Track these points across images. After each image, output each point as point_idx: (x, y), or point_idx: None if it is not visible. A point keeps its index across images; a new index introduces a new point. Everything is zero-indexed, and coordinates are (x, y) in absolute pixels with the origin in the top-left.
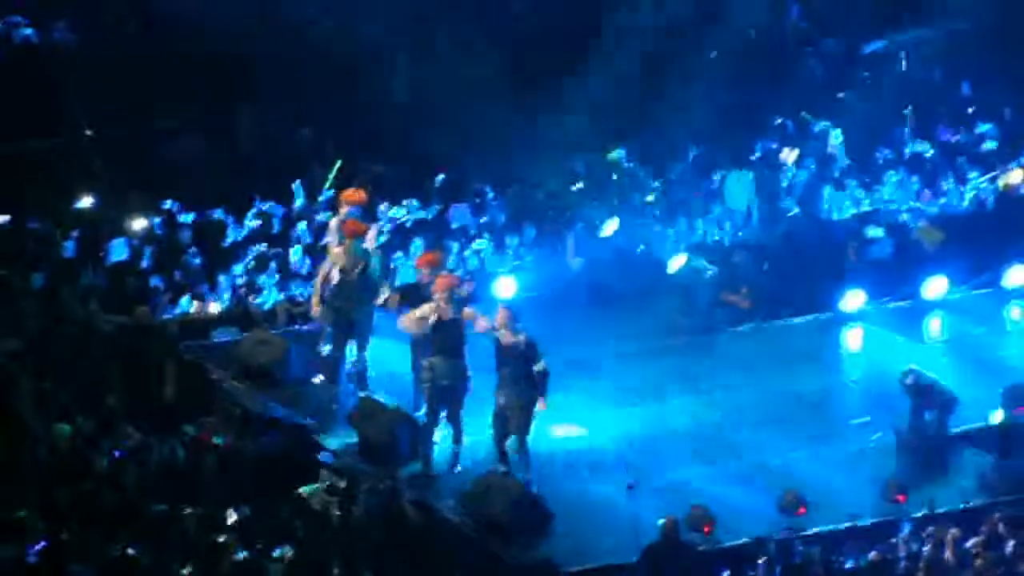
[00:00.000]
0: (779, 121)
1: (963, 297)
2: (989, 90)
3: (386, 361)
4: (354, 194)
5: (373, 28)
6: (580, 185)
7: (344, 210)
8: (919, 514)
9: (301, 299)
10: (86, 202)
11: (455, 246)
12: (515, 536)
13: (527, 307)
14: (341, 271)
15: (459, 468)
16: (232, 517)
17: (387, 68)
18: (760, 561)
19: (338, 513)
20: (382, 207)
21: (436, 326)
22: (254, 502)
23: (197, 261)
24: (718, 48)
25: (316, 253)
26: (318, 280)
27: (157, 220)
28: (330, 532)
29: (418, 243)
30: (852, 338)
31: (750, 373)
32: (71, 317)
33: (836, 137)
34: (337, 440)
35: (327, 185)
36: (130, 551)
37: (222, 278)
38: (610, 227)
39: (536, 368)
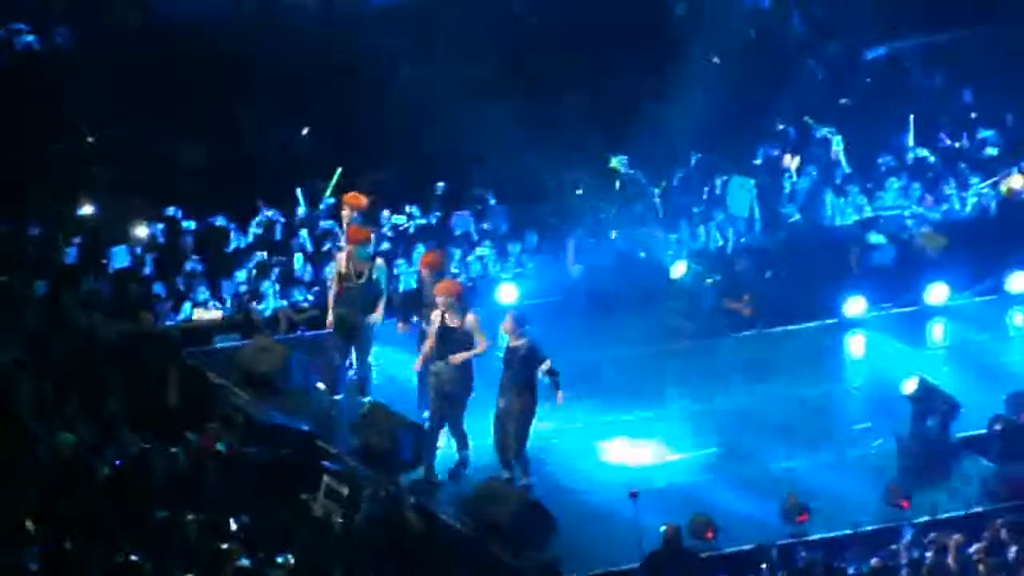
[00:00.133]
0: (781, 127)
1: (965, 303)
2: (991, 96)
3: (388, 367)
4: (355, 198)
5: (375, 32)
6: (580, 191)
7: (346, 213)
8: (921, 520)
9: (303, 305)
10: (88, 208)
11: (457, 253)
12: (517, 542)
13: (529, 313)
14: (344, 278)
15: (462, 474)
16: (234, 524)
17: (388, 73)
18: (762, 567)
19: (340, 520)
20: (384, 213)
21: (440, 332)
22: (256, 509)
23: (199, 267)
24: (719, 54)
25: (318, 260)
26: (331, 287)
27: (159, 226)
28: (332, 539)
29: (421, 250)
30: (854, 344)
31: (752, 379)
32: (73, 324)
33: (838, 143)
34: (339, 447)
35: (328, 192)
36: (132, 558)
37: (224, 284)
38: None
39: (543, 369)
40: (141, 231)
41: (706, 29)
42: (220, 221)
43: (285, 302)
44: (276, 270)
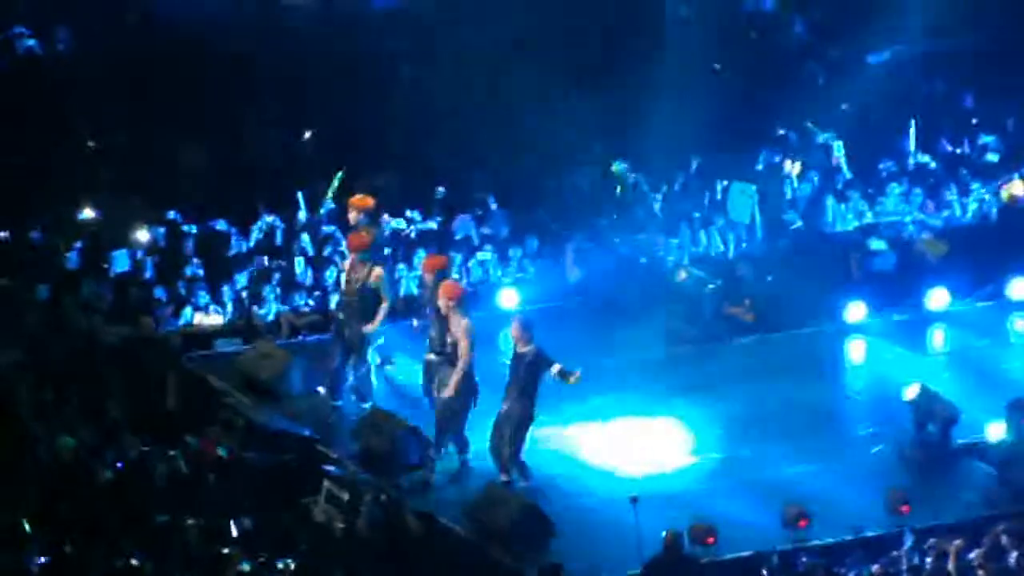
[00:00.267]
0: (782, 132)
1: (966, 309)
2: (992, 101)
3: (391, 372)
4: (362, 200)
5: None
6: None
7: (353, 215)
8: (922, 526)
9: (304, 310)
10: (89, 213)
11: (458, 257)
12: (517, 547)
13: (534, 319)
14: (345, 283)
15: (463, 478)
16: (235, 528)
17: (389, 75)
18: (763, 573)
19: (341, 524)
20: (385, 217)
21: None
22: (257, 513)
23: (200, 272)
24: (721, 58)
25: (319, 264)
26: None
27: (160, 230)
28: (333, 543)
29: (422, 254)
30: (855, 350)
31: (753, 384)
32: (74, 328)
33: (839, 149)
34: (340, 451)
35: (329, 196)
36: (133, 562)
37: (225, 289)
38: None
39: (553, 372)
40: (142, 235)
41: (708, 34)
42: (221, 225)
43: (286, 307)
44: (277, 275)
